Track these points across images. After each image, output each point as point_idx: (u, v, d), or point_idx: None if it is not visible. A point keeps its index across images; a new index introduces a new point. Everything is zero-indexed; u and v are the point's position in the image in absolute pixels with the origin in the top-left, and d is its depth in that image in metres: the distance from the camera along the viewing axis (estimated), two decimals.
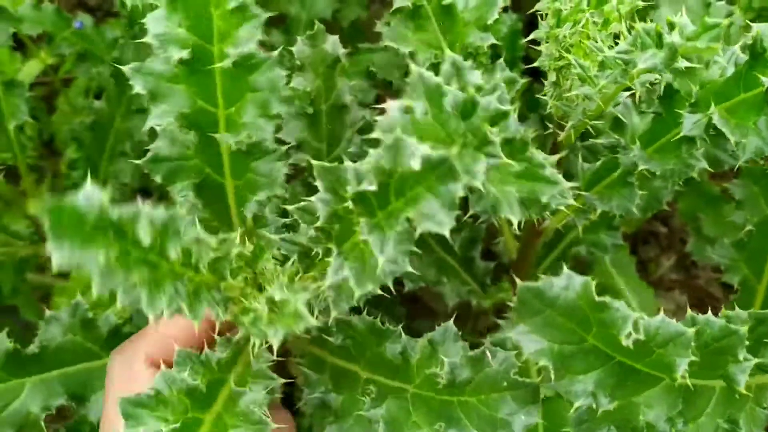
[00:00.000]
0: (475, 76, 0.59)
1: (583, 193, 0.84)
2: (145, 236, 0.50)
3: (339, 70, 0.93)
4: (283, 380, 0.67)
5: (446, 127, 0.55)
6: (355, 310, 0.70)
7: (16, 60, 1.26)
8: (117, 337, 0.83)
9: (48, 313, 0.82)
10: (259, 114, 0.67)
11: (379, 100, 1.41)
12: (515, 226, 0.57)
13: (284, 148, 0.70)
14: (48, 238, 0.47)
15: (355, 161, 0.97)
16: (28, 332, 0.84)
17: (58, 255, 0.47)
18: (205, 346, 0.68)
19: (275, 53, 0.67)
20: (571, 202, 0.61)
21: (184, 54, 0.65)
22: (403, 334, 0.72)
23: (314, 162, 0.56)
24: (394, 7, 0.89)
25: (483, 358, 0.64)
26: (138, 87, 0.65)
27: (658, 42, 0.61)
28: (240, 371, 0.68)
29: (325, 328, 0.76)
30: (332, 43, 0.94)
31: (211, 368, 0.66)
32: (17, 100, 0.92)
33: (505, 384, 0.63)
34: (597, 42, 0.63)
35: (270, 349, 0.66)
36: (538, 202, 0.56)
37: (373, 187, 0.48)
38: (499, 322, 1.07)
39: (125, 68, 0.65)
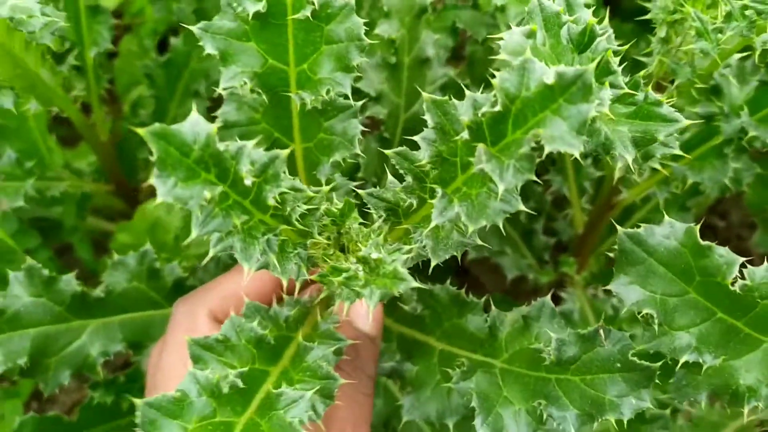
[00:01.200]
0: (587, 13, 0.58)
1: (670, 164, 0.81)
2: (247, 175, 0.49)
3: (424, 21, 0.92)
4: (350, 341, 0.65)
5: (562, 59, 0.53)
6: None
7: None
8: (180, 289, 0.84)
9: (116, 257, 0.82)
10: (337, 67, 0.63)
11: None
12: (628, 168, 0.55)
13: (359, 103, 0.67)
14: (154, 170, 0.46)
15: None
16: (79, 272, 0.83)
17: (162, 188, 0.46)
18: (274, 303, 0.66)
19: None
20: (677, 150, 0.59)
21: (260, 6, 0.60)
22: (492, 306, 0.71)
23: (425, 95, 0.54)
24: None
25: (596, 337, 0.61)
26: (209, 48, 0.61)
27: None
28: (307, 331, 0.66)
29: (398, 295, 0.75)
30: None
31: (279, 324, 0.65)
32: (101, 27, 0.91)
33: (618, 365, 0.60)
34: None
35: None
36: (653, 140, 0.54)
37: (498, 108, 0.46)
38: (563, 295, 1.05)
39: (194, 28, 0.61)
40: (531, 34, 0.49)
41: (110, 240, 1.12)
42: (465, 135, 0.50)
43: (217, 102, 1.15)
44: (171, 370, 0.66)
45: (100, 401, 0.87)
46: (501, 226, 0.53)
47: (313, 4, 0.60)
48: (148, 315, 0.83)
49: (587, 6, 0.85)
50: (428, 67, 0.93)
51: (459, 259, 0.60)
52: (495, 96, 0.47)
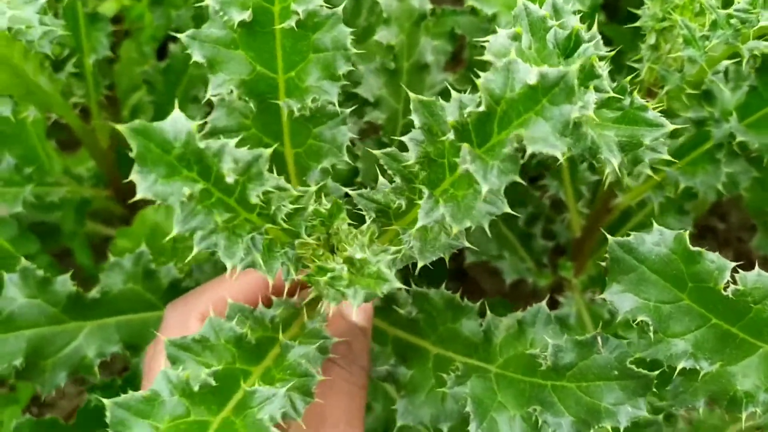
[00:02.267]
0: (574, 20, 0.58)
1: (664, 168, 0.82)
2: (229, 173, 0.49)
3: (423, 27, 0.92)
4: (337, 339, 0.65)
5: (548, 62, 0.54)
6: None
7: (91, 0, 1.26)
8: (176, 290, 0.84)
9: (112, 259, 0.82)
10: (324, 76, 0.63)
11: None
12: (622, 172, 0.55)
13: (348, 111, 0.66)
14: (134, 166, 0.46)
15: None
16: (73, 276, 0.84)
17: (143, 184, 0.47)
18: (260, 305, 0.66)
19: (339, 8, 0.62)
20: (665, 155, 0.59)
21: (245, 16, 0.60)
22: (488, 311, 0.71)
23: (412, 95, 0.54)
24: None
25: (593, 344, 0.61)
26: (197, 55, 0.61)
27: None
28: (295, 331, 0.66)
29: (393, 298, 0.75)
30: None
31: (264, 325, 0.65)
32: (99, 34, 0.92)
33: (615, 373, 0.60)
34: (704, 1, 0.61)
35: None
36: (639, 145, 0.54)
37: (482, 108, 0.46)
38: (560, 299, 1.05)
39: (182, 36, 0.61)
40: (516, 37, 0.50)
41: (109, 245, 1.13)
42: (451, 136, 0.50)
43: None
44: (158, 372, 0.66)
45: (97, 404, 0.87)
46: (487, 228, 0.53)
47: (298, 13, 0.60)
48: (144, 316, 0.84)
49: (578, 12, 0.86)
50: (427, 72, 0.94)
51: (456, 262, 0.61)
52: (480, 97, 0.47)
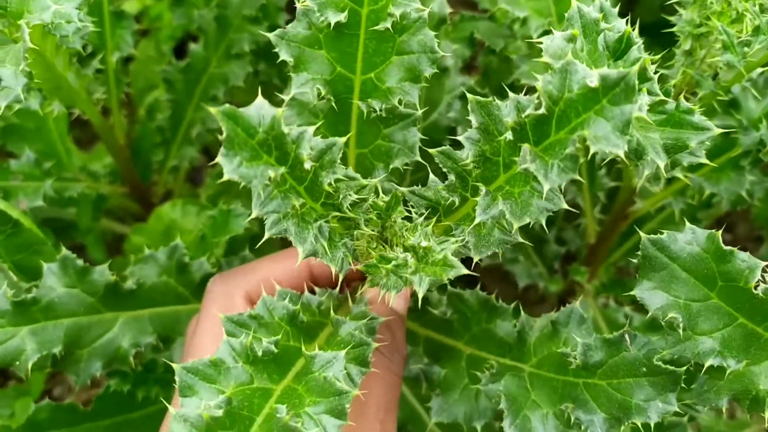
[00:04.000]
0: (621, 23, 0.59)
1: (688, 174, 0.83)
2: (306, 159, 0.51)
3: (443, 32, 0.93)
4: (383, 317, 0.66)
5: (599, 64, 0.55)
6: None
7: None
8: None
9: (147, 251, 0.83)
10: (406, 77, 0.63)
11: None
12: (656, 176, 0.56)
13: (419, 112, 0.67)
14: (221, 150, 0.48)
15: (454, 128, 0.97)
16: None
17: (228, 166, 0.48)
18: (306, 291, 0.67)
19: (426, 11, 0.62)
20: (704, 160, 0.60)
21: (341, 17, 0.61)
22: (522, 312, 0.72)
23: (470, 96, 0.55)
24: None
25: (621, 342, 0.62)
26: (283, 54, 0.62)
27: None
28: (341, 315, 0.67)
29: (427, 299, 0.75)
30: (439, 3, 0.93)
31: (312, 310, 0.66)
32: (124, 32, 0.92)
33: (644, 370, 0.61)
34: (748, 6, 0.62)
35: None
36: (684, 147, 0.55)
37: (542, 110, 0.47)
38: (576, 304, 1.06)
39: (271, 35, 0.62)
40: (572, 39, 0.51)
41: (123, 242, 1.13)
42: (509, 135, 0.51)
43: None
44: (205, 347, 0.66)
45: (116, 389, 0.87)
46: (544, 223, 0.53)
47: (394, 16, 0.61)
48: (176, 309, 0.84)
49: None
50: (447, 76, 0.95)
51: (465, 266, 0.61)
52: (539, 98, 0.48)
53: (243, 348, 0.54)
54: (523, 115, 0.49)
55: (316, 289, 0.68)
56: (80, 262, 0.77)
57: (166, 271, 0.82)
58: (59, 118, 1.04)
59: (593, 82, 0.45)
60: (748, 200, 0.81)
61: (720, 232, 0.58)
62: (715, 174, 0.81)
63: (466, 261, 0.63)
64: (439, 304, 0.74)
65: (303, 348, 0.60)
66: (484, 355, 0.72)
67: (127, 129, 1.19)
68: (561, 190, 0.52)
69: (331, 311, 0.65)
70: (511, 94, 0.51)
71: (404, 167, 0.69)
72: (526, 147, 0.48)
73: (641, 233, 0.60)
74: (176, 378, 0.52)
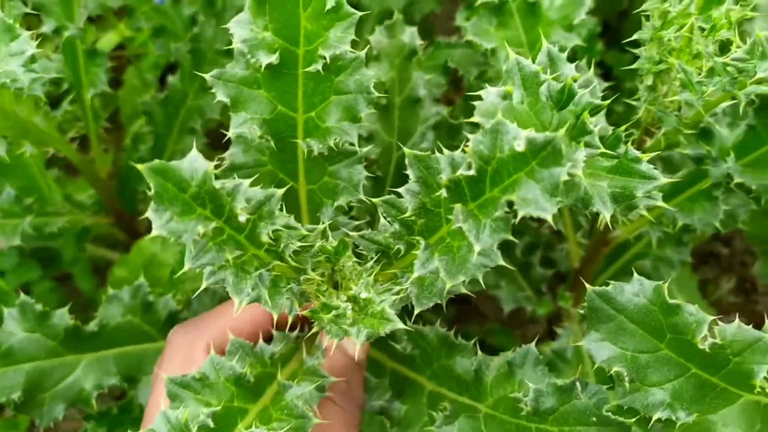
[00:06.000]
0: (570, 68, 0.58)
1: (662, 204, 0.81)
2: (241, 212, 0.51)
3: (415, 62, 0.92)
4: (334, 378, 0.66)
5: (540, 116, 0.54)
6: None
7: (91, 32, 1.27)
8: (174, 321, 0.84)
9: (110, 292, 0.83)
10: (344, 117, 0.63)
11: (447, 100, 1.39)
12: (586, 228, 0.55)
13: (365, 150, 0.67)
14: (151, 204, 0.48)
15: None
16: (76, 300, 0.84)
17: (158, 222, 0.48)
18: (260, 340, 0.67)
19: (362, 52, 0.62)
20: (661, 203, 0.59)
21: (273, 59, 0.61)
22: (478, 350, 0.71)
23: (407, 150, 0.55)
24: (478, 2, 0.88)
25: (572, 389, 0.62)
26: (220, 95, 0.62)
27: None
28: (293, 367, 0.67)
29: (391, 333, 0.75)
30: (410, 35, 0.93)
31: (264, 361, 0.65)
32: (97, 70, 0.92)
33: (594, 419, 0.61)
34: (702, 48, 0.60)
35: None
36: (631, 197, 0.54)
37: (472, 172, 0.46)
38: (558, 331, 1.05)
39: (207, 76, 0.62)
40: (506, 95, 0.50)
41: (112, 268, 1.13)
42: (444, 193, 0.51)
43: (214, 138, 1.15)
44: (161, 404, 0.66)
45: None
46: (480, 279, 0.53)
47: (325, 58, 0.60)
48: (142, 348, 0.84)
49: (576, 46, 0.86)
50: (420, 106, 0.94)
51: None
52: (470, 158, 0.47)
53: (178, 423, 0.54)
54: (456, 174, 0.49)
55: (275, 333, 0.67)
56: (39, 307, 0.78)
57: (131, 311, 0.82)
58: (36, 156, 1.04)
59: (520, 146, 0.44)
60: (721, 230, 0.80)
61: (666, 284, 0.57)
62: (689, 204, 0.80)
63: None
64: (401, 339, 0.74)
65: (246, 409, 0.60)
66: (444, 391, 0.71)
67: (114, 156, 1.19)
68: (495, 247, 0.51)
69: (279, 368, 0.65)
70: (445, 151, 0.51)
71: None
72: (457, 207, 0.48)
73: (587, 285, 0.59)
74: None
